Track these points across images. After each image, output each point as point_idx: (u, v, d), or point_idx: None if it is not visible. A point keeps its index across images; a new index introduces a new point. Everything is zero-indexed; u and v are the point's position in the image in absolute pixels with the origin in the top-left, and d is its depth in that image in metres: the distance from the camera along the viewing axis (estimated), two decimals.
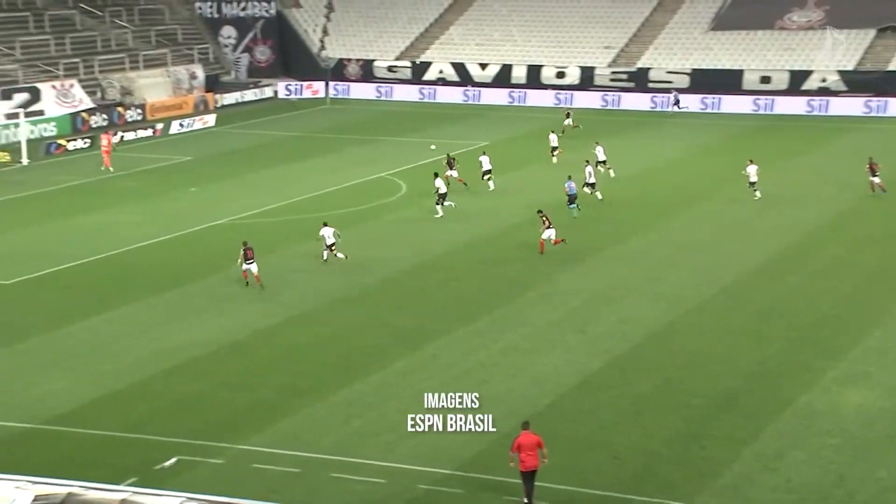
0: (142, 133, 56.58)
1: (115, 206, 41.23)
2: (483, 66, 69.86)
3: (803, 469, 20.24)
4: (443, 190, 38.68)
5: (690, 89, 65.02)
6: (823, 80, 63.59)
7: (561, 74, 68.37)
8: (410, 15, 76.13)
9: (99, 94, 61.86)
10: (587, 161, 42.00)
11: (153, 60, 67.04)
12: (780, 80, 64.29)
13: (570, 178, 39.20)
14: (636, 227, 37.43)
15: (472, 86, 68.99)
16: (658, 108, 63.91)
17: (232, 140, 56.45)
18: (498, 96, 67.48)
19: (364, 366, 25.02)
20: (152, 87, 63.95)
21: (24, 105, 55.69)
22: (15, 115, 53.04)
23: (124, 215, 39.80)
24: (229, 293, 30.64)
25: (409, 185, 43.97)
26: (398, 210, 40.41)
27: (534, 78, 68.65)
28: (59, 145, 52.26)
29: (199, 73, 67.68)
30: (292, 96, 69.95)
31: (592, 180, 40.49)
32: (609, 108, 64.93)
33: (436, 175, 39.67)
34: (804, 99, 62.53)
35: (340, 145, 53.48)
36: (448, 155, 43.57)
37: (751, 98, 63.18)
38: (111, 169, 47.26)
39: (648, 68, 67.19)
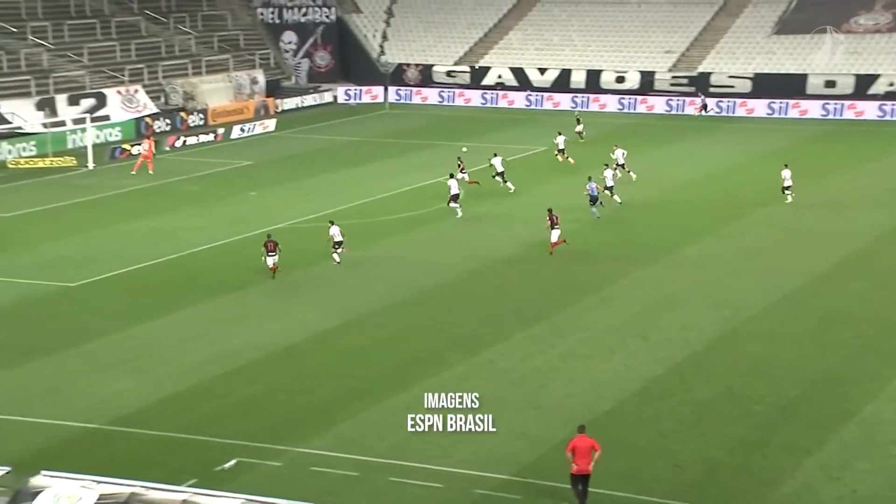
0: (203, 138, 57.19)
1: (177, 209, 41.79)
2: (542, 70, 69.72)
3: (868, 479, 19.89)
4: (454, 191, 39.43)
5: (753, 94, 64.27)
6: (891, 84, 62.43)
7: (621, 79, 67.99)
8: (470, 20, 76.19)
9: (162, 100, 62.81)
10: (606, 164, 42.03)
11: (215, 66, 67.84)
12: (846, 85, 63.27)
13: (590, 178, 39.44)
14: (698, 232, 37.09)
15: (531, 90, 68.90)
16: (723, 113, 63.18)
17: (292, 145, 56.82)
18: (560, 101, 67.20)
19: (421, 370, 25.06)
20: (214, 92, 64.74)
21: (91, 110, 56.78)
22: (82, 121, 54.06)
23: (186, 219, 40.32)
24: (287, 297, 30.88)
25: (467, 190, 44.03)
26: (455, 214, 40.54)
27: (593, 83, 68.35)
28: (124, 150, 52.95)
29: (260, 78, 68.35)
30: (351, 101, 70.40)
31: (611, 183, 40.32)
32: (674, 112, 64.30)
33: (451, 176, 40.56)
34: (875, 104, 61.44)
35: (399, 150, 53.63)
36: (459, 158, 44.04)
37: (819, 103, 62.24)
38: (148, 173, 47.77)
39: (709, 73, 66.51)
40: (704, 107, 63.08)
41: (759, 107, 63.20)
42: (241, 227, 38.77)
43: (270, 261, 32.16)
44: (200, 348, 26.74)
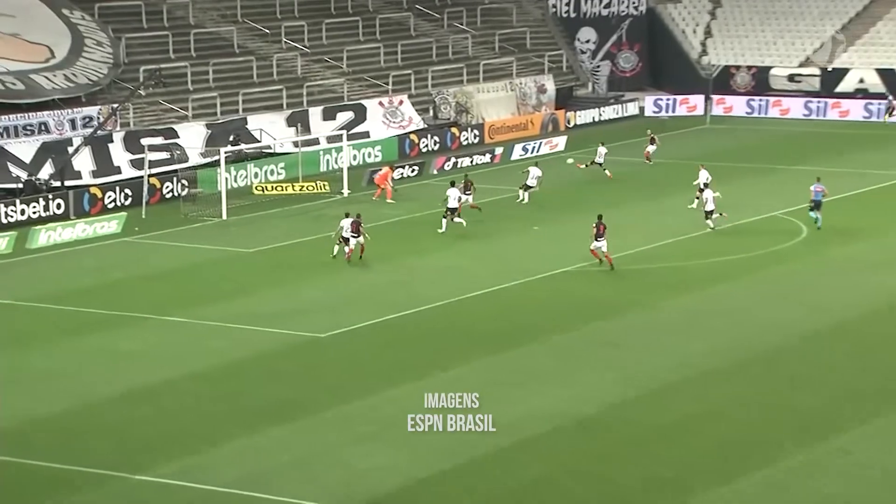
0: (478, 159, 58.23)
1: (445, 246, 43.00)
2: None
3: None
4: (452, 204, 43.24)
5: None
6: None
7: None
8: (823, 8, 74.44)
9: (430, 113, 64.83)
10: (702, 186, 44.46)
11: (495, 71, 69.53)
12: None
13: (818, 180, 42.64)
14: None
15: None
16: None
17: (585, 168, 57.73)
18: None
19: (747, 457, 24.66)
20: (493, 103, 66.27)
21: (348, 126, 59.18)
22: (337, 138, 56.11)
23: (455, 257, 41.42)
24: (578, 357, 31.10)
25: (812, 228, 42.82)
26: (794, 259, 39.96)
27: None
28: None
29: (549, 85, 69.42)
30: (662, 114, 70.45)
31: (711, 207, 43.01)
32: None
33: (452, 184, 44.68)
34: None
35: (723, 176, 52.67)
36: (466, 176, 47.21)
37: None
38: (387, 201, 50.00)
39: None
40: (892, 110, 60.02)
41: None
42: (520, 270, 39.28)
43: (353, 241, 38.74)
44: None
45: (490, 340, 32.46)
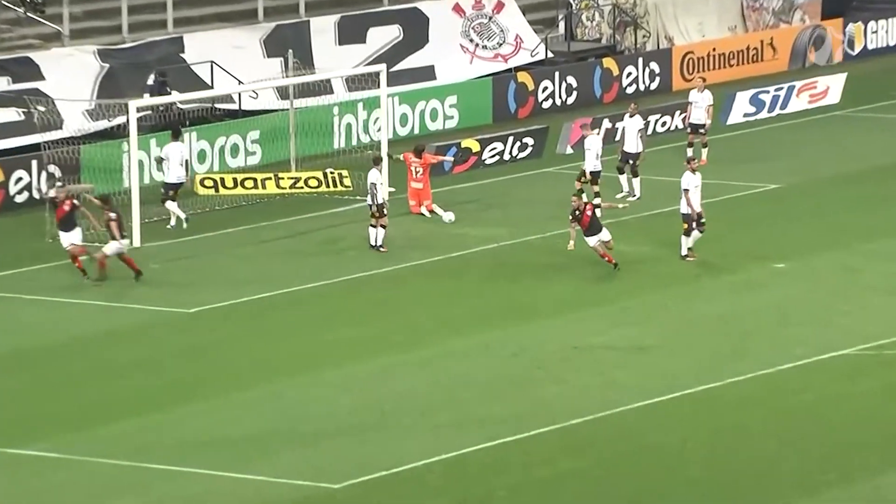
0: (662, 121, 58.31)
1: (594, 300, 43.80)
2: None
3: None
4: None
5: None
6: None
7: None
8: None
9: (560, 30, 65.95)
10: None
11: None
12: None
13: None
14: None
15: None
16: None
17: (874, 142, 58.89)
18: None
19: None
20: (689, 7, 67.64)
21: (388, 56, 60.54)
22: (368, 81, 56.67)
23: (622, 326, 42.40)
24: None
25: None
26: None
27: None
28: (469, 152, 54.77)
29: None
30: None
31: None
32: None
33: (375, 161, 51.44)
34: None
35: None
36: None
37: None
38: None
39: None
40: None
41: None
42: (754, 349, 40.81)
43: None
44: None
45: (690, 497, 32.56)
